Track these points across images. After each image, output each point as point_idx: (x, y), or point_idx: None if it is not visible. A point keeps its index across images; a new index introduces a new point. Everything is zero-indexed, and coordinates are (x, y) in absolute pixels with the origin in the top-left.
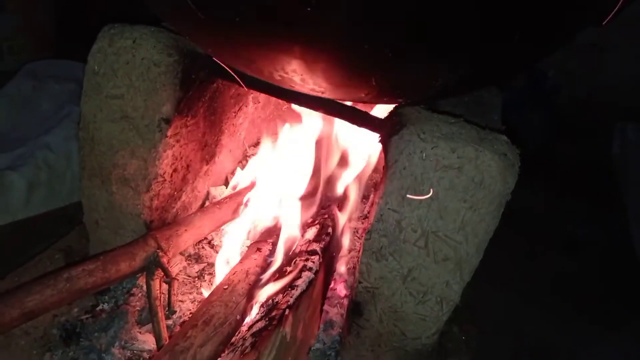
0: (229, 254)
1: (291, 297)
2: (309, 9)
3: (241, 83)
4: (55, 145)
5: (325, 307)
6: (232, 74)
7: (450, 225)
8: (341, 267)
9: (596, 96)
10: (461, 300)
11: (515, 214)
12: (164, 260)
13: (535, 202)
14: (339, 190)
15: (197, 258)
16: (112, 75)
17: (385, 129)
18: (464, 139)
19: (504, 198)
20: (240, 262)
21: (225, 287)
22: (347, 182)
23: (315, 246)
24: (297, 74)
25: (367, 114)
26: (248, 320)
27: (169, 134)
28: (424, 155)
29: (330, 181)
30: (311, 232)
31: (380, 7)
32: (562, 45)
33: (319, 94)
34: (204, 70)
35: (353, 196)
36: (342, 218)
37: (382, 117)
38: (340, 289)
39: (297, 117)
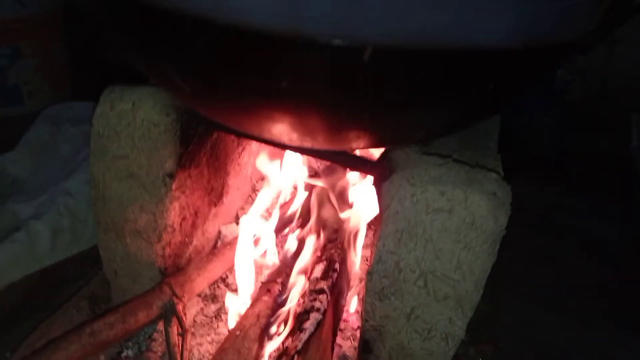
0: (240, 296)
1: (299, 341)
2: (284, 83)
3: (237, 134)
4: (75, 190)
5: (339, 340)
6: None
7: (447, 265)
8: (353, 299)
9: (610, 90)
10: (477, 316)
11: (531, 215)
12: (180, 307)
13: (551, 202)
14: (347, 220)
15: (213, 298)
16: (115, 137)
17: (377, 172)
18: (452, 181)
19: (497, 235)
20: (251, 305)
21: (238, 332)
22: (354, 212)
23: (323, 284)
24: (283, 136)
25: (359, 158)
26: None
27: (174, 187)
28: (415, 199)
29: (337, 212)
30: (318, 270)
31: (349, 80)
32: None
33: (310, 147)
34: (201, 124)
35: (362, 225)
36: (350, 249)
37: (374, 160)
38: (353, 320)
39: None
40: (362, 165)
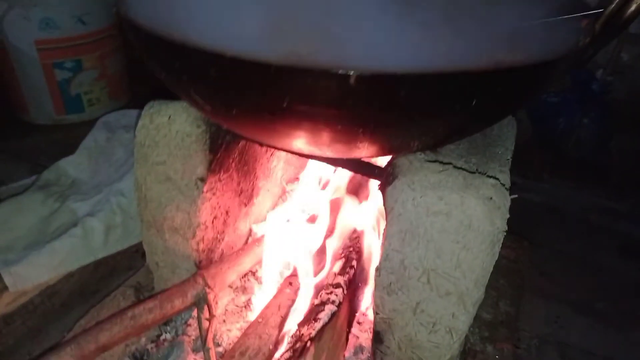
0: (265, 289)
1: (313, 329)
2: (284, 104)
3: (259, 144)
4: (127, 190)
5: (357, 332)
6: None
7: (448, 263)
8: (369, 297)
9: None
10: (497, 315)
11: (568, 217)
12: (211, 296)
13: (589, 204)
14: (366, 220)
15: (244, 289)
16: (155, 146)
17: (383, 177)
18: (450, 187)
19: (495, 236)
20: (275, 297)
21: (260, 320)
22: (371, 213)
23: (340, 279)
24: (293, 147)
25: (367, 165)
26: (281, 350)
27: (205, 189)
28: (416, 202)
29: (357, 212)
30: (337, 266)
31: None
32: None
33: (320, 155)
34: (229, 134)
35: (379, 225)
36: (368, 247)
37: (381, 167)
38: (371, 314)
39: None
40: (370, 171)
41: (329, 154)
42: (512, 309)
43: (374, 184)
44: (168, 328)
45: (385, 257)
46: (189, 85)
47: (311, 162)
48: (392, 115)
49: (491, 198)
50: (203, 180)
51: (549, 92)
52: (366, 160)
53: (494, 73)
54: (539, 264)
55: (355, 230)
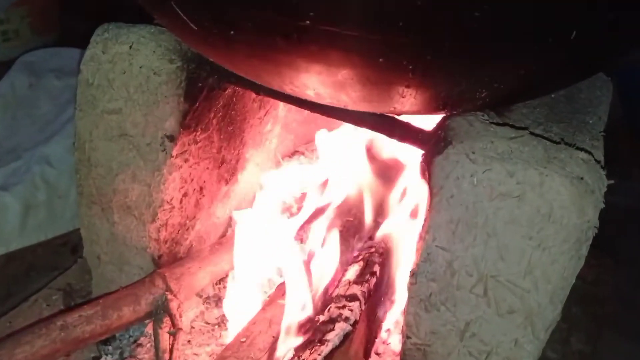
0: (249, 298)
1: (319, 354)
2: (307, 22)
3: (255, 91)
4: (55, 158)
5: None
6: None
7: (514, 268)
8: (395, 314)
9: None
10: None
11: None
12: (173, 305)
13: None
14: (395, 213)
15: (218, 300)
16: (107, 87)
17: (430, 145)
18: (525, 159)
19: (584, 233)
20: (263, 309)
21: (243, 339)
22: (406, 203)
23: (356, 289)
24: (309, 89)
25: (407, 126)
26: None
27: (174, 153)
28: (475, 180)
29: (383, 203)
30: (352, 271)
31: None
32: None
33: (342, 107)
34: (212, 76)
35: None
36: (396, 248)
37: (427, 130)
38: (395, 342)
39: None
40: (410, 135)
41: (357, 105)
42: (588, 348)
43: (410, 156)
44: (110, 348)
45: (425, 257)
46: None
47: (321, 125)
48: (459, 45)
49: (582, 178)
50: (172, 139)
51: None
52: (405, 120)
53: None
54: (624, 289)
55: (379, 222)
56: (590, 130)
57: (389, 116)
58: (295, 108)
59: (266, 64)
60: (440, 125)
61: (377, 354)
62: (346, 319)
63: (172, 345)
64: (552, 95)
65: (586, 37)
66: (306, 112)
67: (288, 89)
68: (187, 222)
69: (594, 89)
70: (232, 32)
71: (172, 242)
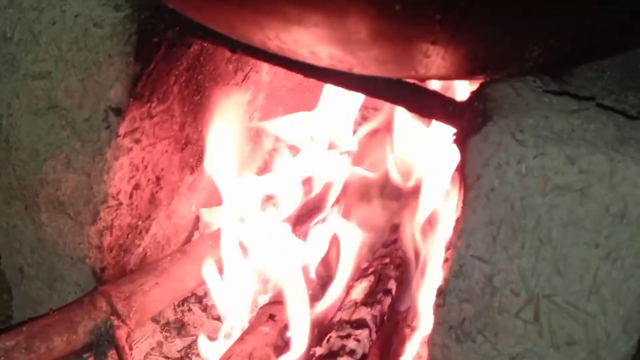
0: (226, 324)
1: None
2: None
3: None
4: None
5: None
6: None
7: (575, 285)
8: (416, 345)
9: None
10: None
11: None
12: (121, 333)
13: None
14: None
15: (180, 327)
16: (32, 42)
17: (463, 120)
18: (590, 140)
19: None
20: (241, 338)
21: None
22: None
23: (365, 313)
24: (301, 46)
25: (433, 95)
26: None
27: (122, 131)
28: (524, 168)
29: (401, 199)
30: (360, 289)
31: None
32: None
33: (346, 70)
34: (173, 28)
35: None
36: (417, 258)
37: (459, 100)
38: None
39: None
40: (437, 108)
41: (366, 68)
42: None
43: (439, 135)
44: None
45: (457, 270)
46: None
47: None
48: None
49: None
50: (119, 112)
51: None
52: (431, 87)
53: None
54: None
55: (395, 226)
56: None
57: (409, 83)
58: (283, 71)
59: (244, 11)
60: (478, 95)
61: None
62: (351, 353)
63: None
64: (627, 54)
65: None
66: (299, 76)
67: (274, 46)
68: (140, 223)
69: None
70: None
71: (119, 250)
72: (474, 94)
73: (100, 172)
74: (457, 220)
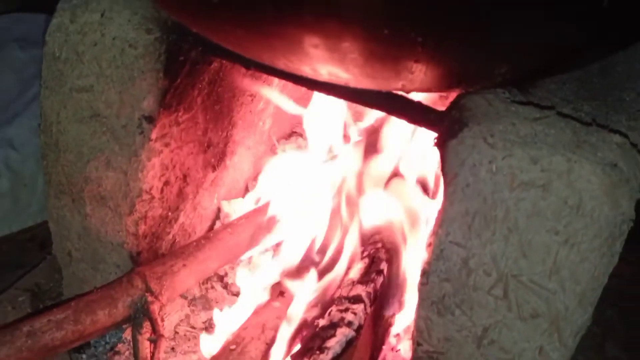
0: (240, 301)
1: None
2: None
3: (245, 65)
4: (19, 141)
5: None
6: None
7: (538, 267)
8: (404, 318)
9: None
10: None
11: None
12: (155, 307)
13: None
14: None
15: (205, 302)
16: (77, 61)
17: (443, 126)
18: (550, 143)
19: (617, 227)
20: (255, 312)
21: (233, 347)
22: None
23: (361, 290)
24: (304, 64)
25: (417, 105)
26: None
27: (153, 136)
28: (494, 167)
29: (393, 189)
30: (356, 269)
31: None
32: None
33: (343, 84)
34: (196, 48)
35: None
36: (405, 243)
37: (440, 109)
38: (405, 349)
39: None
40: (421, 115)
41: (360, 82)
42: (625, 355)
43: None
44: (84, 357)
45: (438, 254)
46: None
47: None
48: (475, 11)
49: (616, 165)
50: (151, 120)
51: None
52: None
53: None
54: None
55: (387, 215)
56: (627, 108)
57: (397, 94)
58: (291, 84)
59: (254, 35)
60: (455, 105)
61: None
62: (349, 324)
63: (153, 353)
64: (584, 69)
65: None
66: (304, 88)
67: (281, 64)
68: (169, 214)
69: (632, 62)
70: None
71: (152, 237)
72: (452, 104)
73: (135, 171)
74: (438, 212)
